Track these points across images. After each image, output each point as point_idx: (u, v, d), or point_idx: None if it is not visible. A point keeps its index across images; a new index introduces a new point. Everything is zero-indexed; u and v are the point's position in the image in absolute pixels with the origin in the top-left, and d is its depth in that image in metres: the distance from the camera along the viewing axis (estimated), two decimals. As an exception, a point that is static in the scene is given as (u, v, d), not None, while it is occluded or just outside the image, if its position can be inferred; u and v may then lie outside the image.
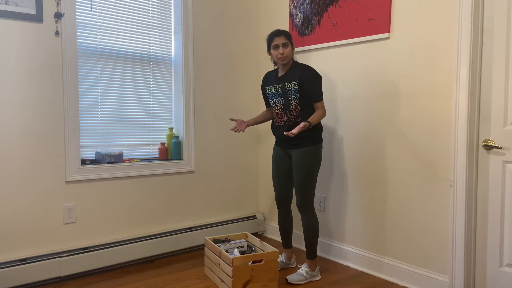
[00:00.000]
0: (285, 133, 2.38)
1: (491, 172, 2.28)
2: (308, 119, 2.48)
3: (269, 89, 2.71)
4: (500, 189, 2.25)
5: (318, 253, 3.19)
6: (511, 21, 2.17)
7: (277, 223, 3.53)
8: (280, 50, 2.55)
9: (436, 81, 2.43)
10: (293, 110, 2.61)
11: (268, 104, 2.85)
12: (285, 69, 2.64)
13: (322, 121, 3.12)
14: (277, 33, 2.58)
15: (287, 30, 2.60)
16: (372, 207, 2.82)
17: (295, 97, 2.58)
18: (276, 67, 2.73)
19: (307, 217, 2.64)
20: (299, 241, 3.34)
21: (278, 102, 2.66)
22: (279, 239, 3.53)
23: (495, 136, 2.26)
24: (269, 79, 2.75)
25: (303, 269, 2.69)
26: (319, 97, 2.57)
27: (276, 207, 3.00)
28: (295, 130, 2.39)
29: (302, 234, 3.11)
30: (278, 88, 2.65)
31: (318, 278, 2.74)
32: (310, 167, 2.59)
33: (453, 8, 2.33)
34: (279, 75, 2.67)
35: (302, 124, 2.41)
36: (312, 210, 2.65)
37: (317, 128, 2.63)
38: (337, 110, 3.01)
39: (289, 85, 2.58)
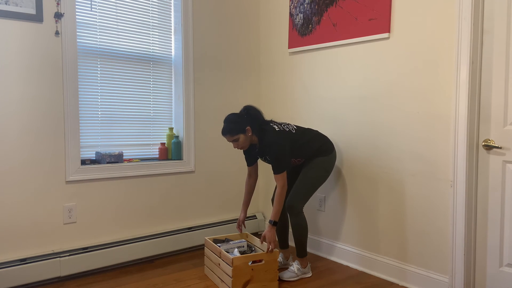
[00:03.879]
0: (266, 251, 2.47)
1: (491, 172, 2.28)
2: (270, 218, 2.51)
3: (259, 157, 2.69)
4: (500, 189, 2.25)
5: (319, 253, 3.19)
6: (511, 21, 2.17)
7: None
8: (233, 145, 2.56)
9: (436, 81, 2.43)
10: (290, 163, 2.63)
11: (249, 164, 2.79)
12: (257, 143, 2.61)
13: (323, 125, 3.11)
14: (222, 133, 2.53)
15: (232, 122, 2.52)
16: (372, 207, 2.82)
17: None
18: None
19: (295, 217, 2.65)
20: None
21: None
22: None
23: (495, 136, 2.26)
24: (250, 148, 2.69)
25: (295, 266, 2.71)
26: (276, 170, 2.49)
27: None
28: (266, 249, 2.47)
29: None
30: (265, 159, 2.64)
31: (310, 275, 2.76)
32: (315, 174, 2.64)
33: (453, 8, 2.33)
34: (257, 148, 2.64)
35: (265, 232, 2.49)
36: (300, 212, 2.65)
37: (320, 143, 2.66)
38: (337, 110, 3.01)
39: (269, 157, 2.56)
